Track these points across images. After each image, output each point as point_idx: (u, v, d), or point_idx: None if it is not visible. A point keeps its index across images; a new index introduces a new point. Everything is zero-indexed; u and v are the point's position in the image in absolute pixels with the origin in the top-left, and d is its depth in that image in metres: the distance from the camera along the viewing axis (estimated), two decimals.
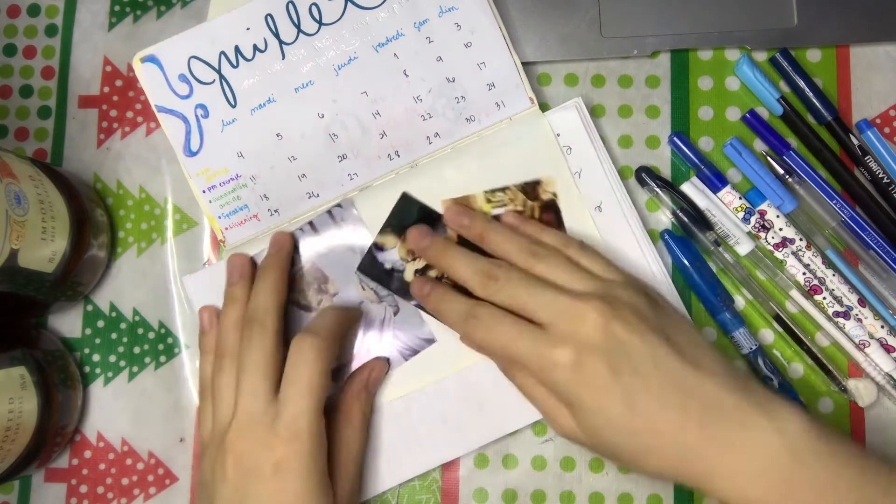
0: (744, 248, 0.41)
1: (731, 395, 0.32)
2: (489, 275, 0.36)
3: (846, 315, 0.40)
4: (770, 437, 0.30)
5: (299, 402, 0.34)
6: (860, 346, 0.40)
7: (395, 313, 0.40)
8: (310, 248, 0.41)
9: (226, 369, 0.36)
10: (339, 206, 0.41)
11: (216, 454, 0.35)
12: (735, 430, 0.31)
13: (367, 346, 0.40)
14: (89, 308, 0.43)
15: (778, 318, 0.40)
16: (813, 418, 0.31)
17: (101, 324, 0.43)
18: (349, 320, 0.39)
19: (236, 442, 0.34)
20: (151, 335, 0.42)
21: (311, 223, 0.41)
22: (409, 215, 0.40)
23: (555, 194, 0.40)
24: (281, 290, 0.38)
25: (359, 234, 0.41)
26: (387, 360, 0.40)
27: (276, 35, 0.41)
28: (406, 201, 0.40)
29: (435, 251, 0.38)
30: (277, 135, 0.41)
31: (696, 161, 0.41)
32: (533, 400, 0.36)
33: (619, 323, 0.33)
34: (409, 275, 0.40)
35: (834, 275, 0.40)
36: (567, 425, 0.34)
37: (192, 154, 0.42)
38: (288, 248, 0.40)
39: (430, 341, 0.40)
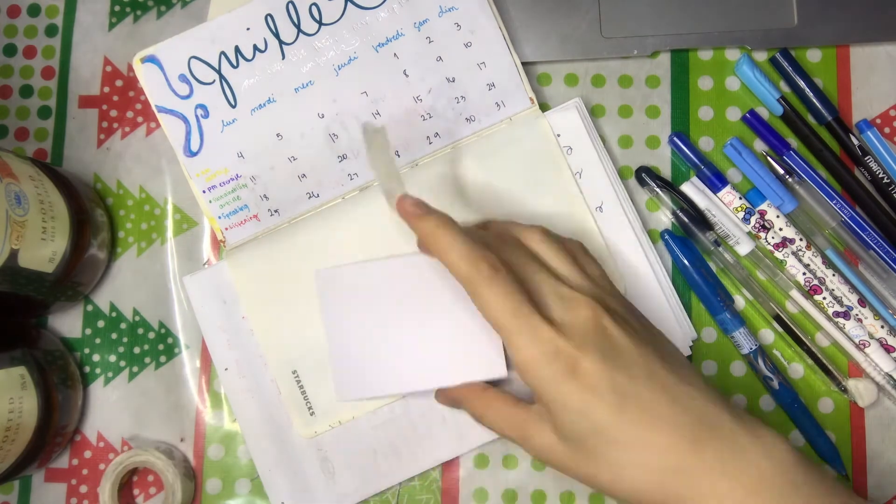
0: (744, 248, 0.41)
1: (721, 414, 0.31)
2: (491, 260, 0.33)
3: (846, 315, 0.40)
4: (760, 460, 0.30)
5: None
6: (860, 346, 0.40)
7: None
8: None
9: None
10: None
11: None
12: (727, 451, 0.30)
13: None
14: (89, 308, 0.43)
15: (778, 318, 0.40)
16: (791, 444, 0.31)
17: (101, 324, 0.43)
18: None
19: None
20: (151, 335, 0.42)
21: None
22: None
23: None
24: None
25: None
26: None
27: (276, 35, 0.41)
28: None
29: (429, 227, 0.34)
30: (277, 135, 0.41)
31: (696, 161, 0.41)
32: (504, 414, 0.34)
33: (614, 325, 0.32)
34: None
35: (834, 275, 0.40)
36: (545, 439, 0.32)
37: (192, 154, 0.42)
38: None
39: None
